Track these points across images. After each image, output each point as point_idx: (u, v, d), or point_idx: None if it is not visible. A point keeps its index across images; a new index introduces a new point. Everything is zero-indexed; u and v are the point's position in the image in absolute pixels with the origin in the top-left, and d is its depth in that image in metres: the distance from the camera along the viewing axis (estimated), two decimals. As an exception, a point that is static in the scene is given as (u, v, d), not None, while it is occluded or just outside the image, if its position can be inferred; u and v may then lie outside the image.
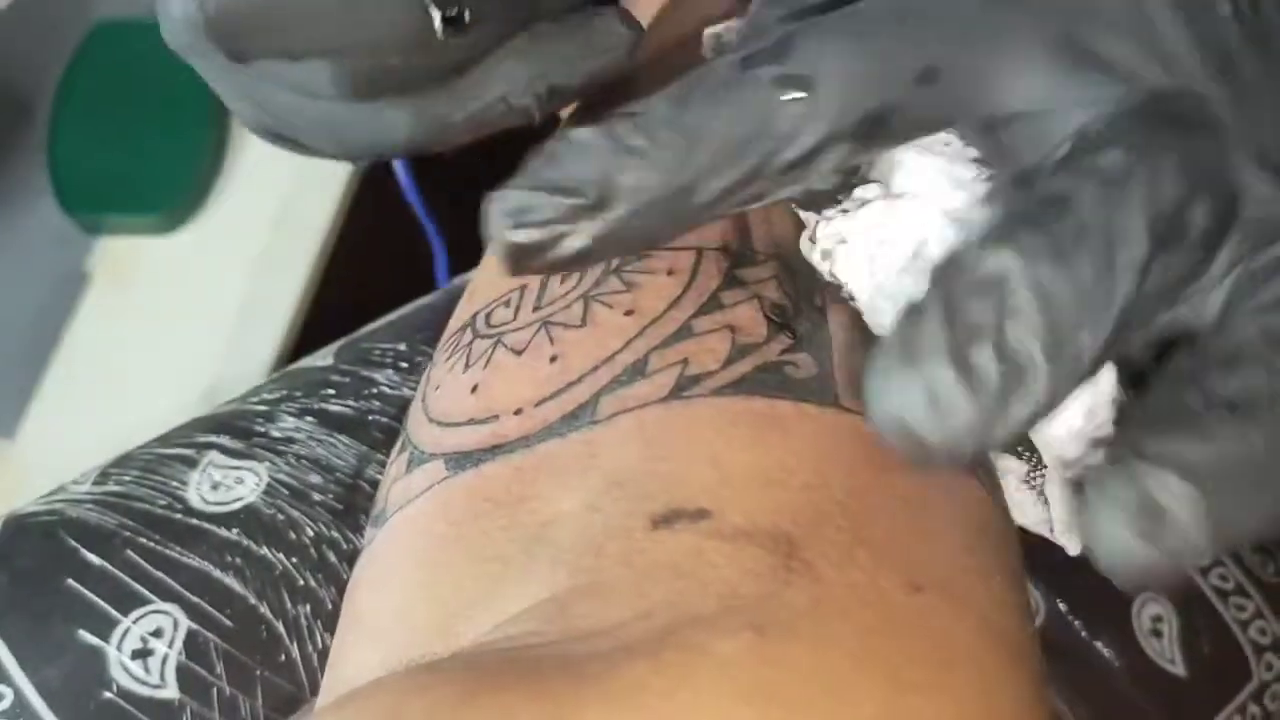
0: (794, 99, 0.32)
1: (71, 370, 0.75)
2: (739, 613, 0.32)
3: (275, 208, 0.78)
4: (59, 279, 0.78)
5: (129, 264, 0.79)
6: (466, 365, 0.40)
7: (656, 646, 0.31)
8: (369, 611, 0.39)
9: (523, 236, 0.31)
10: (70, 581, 0.48)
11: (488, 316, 0.42)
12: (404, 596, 0.37)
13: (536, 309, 0.40)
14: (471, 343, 0.41)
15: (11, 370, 0.76)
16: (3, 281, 0.79)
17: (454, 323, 0.44)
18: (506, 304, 0.41)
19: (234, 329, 0.75)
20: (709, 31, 0.43)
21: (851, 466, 0.36)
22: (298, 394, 0.55)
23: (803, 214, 0.40)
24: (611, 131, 0.31)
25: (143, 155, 0.80)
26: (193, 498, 0.50)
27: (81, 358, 0.76)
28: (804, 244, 0.40)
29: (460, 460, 0.38)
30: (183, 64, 0.78)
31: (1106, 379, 0.34)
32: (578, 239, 0.31)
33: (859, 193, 0.37)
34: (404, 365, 0.56)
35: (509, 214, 0.31)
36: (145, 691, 0.46)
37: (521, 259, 0.31)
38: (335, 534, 0.50)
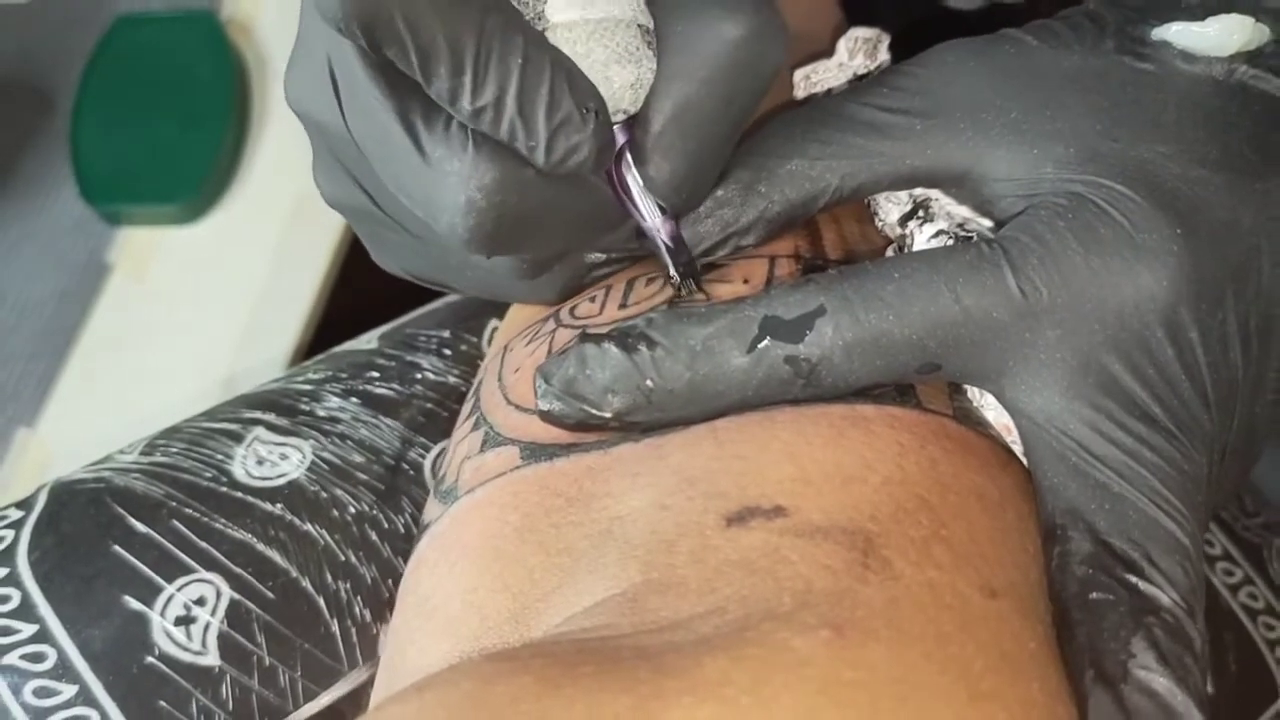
0: (797, 374, 0.38)
1: (92, 359, 0.76)
2: (814, 609, 0.33)
3: (295, 199, 0.79)
4: (80, 268, 0.79)
5: (149, 254, 0.79)
6: (549, 352, 0.42)
7: (735, 641, 0.32)
8: (437, 596, 0.40)
9: (559, 415, 0.39)
10: (116, 548, 0.49)
11: (572, 309, 0.44)
12: (475, 585, 0.39)
13: (622, 307, 0.43)
14: (555, 331, 0.43)
15: (32, 359, 0.76)
16: (24, 270, 0.80)
17: (532, 313, 0.46)
18: (592, 299, 0.44)
19: (253, 319, 0.76)
20: (799, 74, 0.46)
21: (934, 463, 0.38)
22: (343, 375, 0.57)
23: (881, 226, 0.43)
24: (635, 359, 0.38)
25: (163, 147, 0.81)
26: (238, 472, 0.52)
27: (102, 347, 0.76)
28: (891, 253, 0.43)
29: (536, 451, 0.40)
30: (203, 57, 0.79)
31: None
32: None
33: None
34: (447, 352, 0.58)
35: (546, 395, 0.39)
36: (186, 657, 0.47)
37: (559, 425, 0.40)
38: (377, 513, 0.52)
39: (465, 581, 0.39)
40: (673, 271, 0.42)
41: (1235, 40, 0.40)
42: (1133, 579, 0.35)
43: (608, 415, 0.39)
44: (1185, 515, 0.36)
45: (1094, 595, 0.35)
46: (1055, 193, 0.38)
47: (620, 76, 0.39)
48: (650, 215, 0.41)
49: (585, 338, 0.39)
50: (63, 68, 0.86)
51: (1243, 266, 0.38)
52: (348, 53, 0.37)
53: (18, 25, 0.89)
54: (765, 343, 0.38)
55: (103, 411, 0.73)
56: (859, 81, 0.45)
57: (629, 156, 0.40)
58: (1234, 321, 0.38)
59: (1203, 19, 0.41)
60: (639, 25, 0.39)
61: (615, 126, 0.40)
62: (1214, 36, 0.41)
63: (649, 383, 0.38)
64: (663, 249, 0.41)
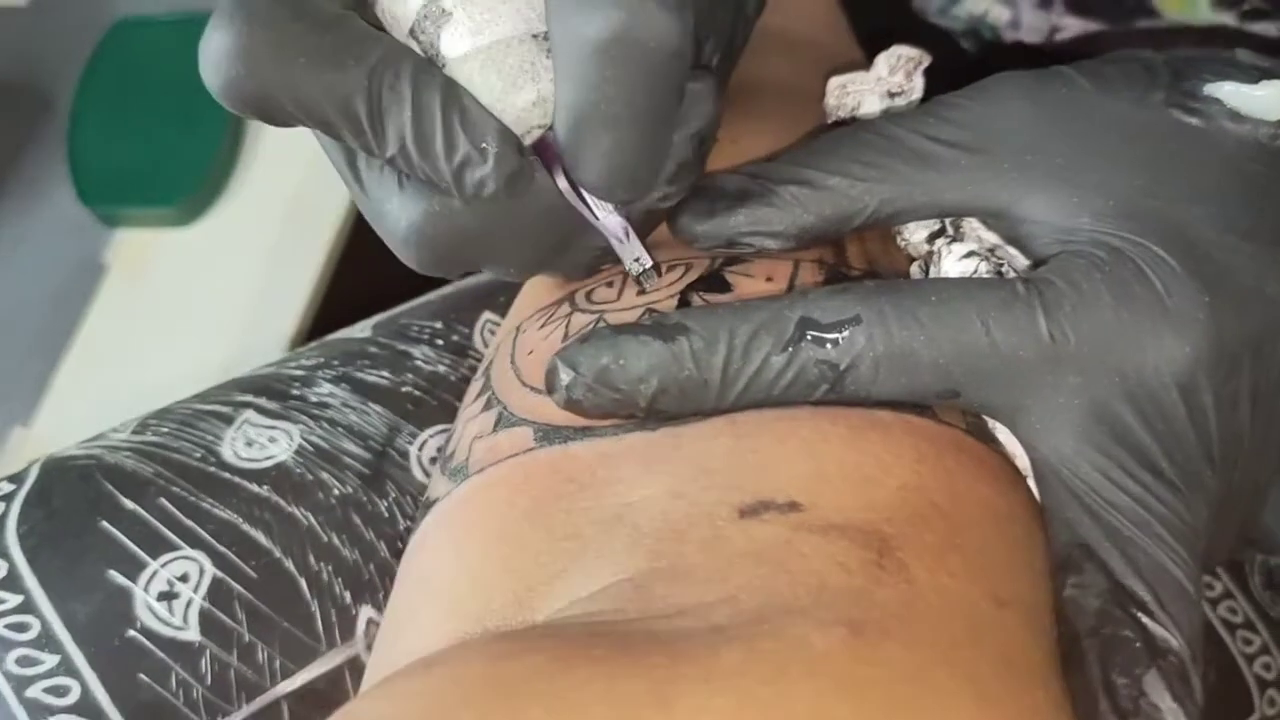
0: (823, 378, 0.39)
1: (87, 359, 0.79)
2: (830, 606, 0.34)
3: (289, 201, 0.82)
4: (76, 269, 0.82)
5: (145, 255, 0.82)
6: (565, 336, 0.44)
7: (751, 633, 0.33)
8: (442, 576, 0.41)
9: (589, 404, 0.40)
10: (104, 523, 0.51)
11: (589, 294, 0.45)
12: (481, 567, 0.40)
13: (641, 292, 0.44)
14: (571, 315, 0.45)
15: (29, 358, 0.79)
16: (21, 271, 0.83)
17: (544, 296, 0.48)
18: (609, 285, 0.45)
19: (248, 320, 0.79)
20: (834, 81, 0.48)
21: (949, 474, 0.39)
22: (335, 361, 0.59)
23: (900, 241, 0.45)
24: (674, 350, 0.39)
25: (160, 149, 0.84)
26: (226, 453, 0.54)
27: (97, 347, 0.79)
28: (914, 270, 0.45)
29: (550, 434, 0.42)
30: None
31: None
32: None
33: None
34: (439, 342, 0.60)
35: (576, 384, 0.40)
36: (168, 632, 0.50)
37: (581, 413, 0.41)
38: (362, 497, 0.54)
39: (470, 562, 0.40)
40: (628, 265, 0.43)
41: None
42: (1145, 619, 0.37)
43: (641, 405, 0.40)
44: (1190, 564, 0.38)
45: (1108, 630, 0.37)
46: (1093, 244, 0.40)
47: (520, 100, 0.40)
48: (600, 213, 0.42)
49: (618, 329, 0.40)
50: (62, 70, 0.89)
51: (1262, 334, 0.39)
52: None
53: (17, 28, 0.92)
54: (801, 343, 0.39)
55: (97, 411, 0.74)
56: (891, 98, 0.47)
57: (563, 163, 0.41)
58: (1247, 386, 0.39)
59: (1256, 81, 0.42)
60: (534, 36, 0.40)
61: (539, 140, 0.41)
62: (1264, 100, 0.42)
63: (685, 373, 0.39)
64: (615, 244, 0.43)
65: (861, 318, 0.39)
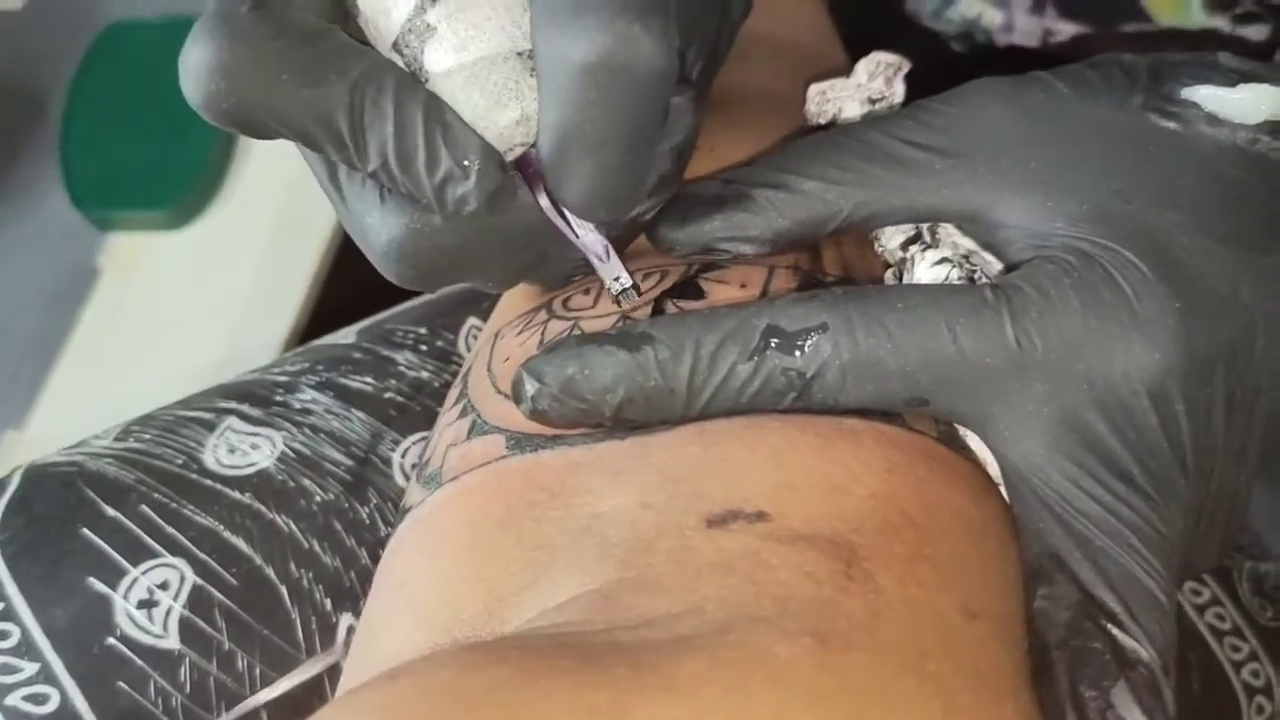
0: (791, 386, 0.40)
1: (80, 362, 0.79)
2: (796, 617, 0.34)
3: (282, 205, 0.83)
4: (69, 273, 0.83)
5: (138, 259, 0.83)
6: (541, 343, 0.44)
7: (715, 643, 0.33)
8: (414, 583, 0.41)
9: (555, 415, 0.40)
10: (85, 530, 0.52)
11: (565, 301, 0.46)
12: (452, 575, 0.40)
13: (616, 301, 0.44)
14: (548, 322, 0.45)
15: (22, 361, 0.80)
16: (14, 274, 0.83)
17: (523, 303, 0.48)
18: (585, 292, 0.46)
19: (240, 324, 0.79)
20: (814, 88, 0.48)
21: (920, 482, 0.39)
22: (319, 368, 0.59)
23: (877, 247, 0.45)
24: (639, 359, 0.40)
25: (152, 152, 0.85)
26: (209, 459, 0.54)
27: (90, 350, 0.80)
28: (889, 276, 0.45)
29: (522, 442, 0.42)
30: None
31: None
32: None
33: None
34: (423, 348, 0.60)
35: (542, 395, 0.40)
36: (147, 640, 0.50)
37: (547, 423, 0.41)
38: (344, 504, 0.54)
39: (442, 571, 0.40)
40: (608, 284, 0.43)
41: (1263, 110, 0.42)
42: (1114, 630, 0.37)
43: (606, 414, 0.40)
44: (1162, 574, 0.38)
45: (1077, 641, 0.37)
46: (1065, 248, 0.40)
47: (503, 118, 0.40)
48: (580, 231, 0.42)
49: (583, 339, 0.41)
50: (54, 74, 0.90)
51: (1236, 341, 0.39)
52: None
53: (10, 31, 0.93)
54: (766, 351, 0.39)
55: (90, 414, 0.75)
56: (871, 104, 0.47)
57: (544, 181, 0.41)
58: (1221, 393, 0.39)
59: (1234, 84, 0.42)
60: (518, 54, 0.40)
61: (521, 157, 0.41)
62: (1242, 104, 0.42)
63: (651, 383, 0.39)
64: (595, 263, 0.43)
65: (828, 325, 0.39)
